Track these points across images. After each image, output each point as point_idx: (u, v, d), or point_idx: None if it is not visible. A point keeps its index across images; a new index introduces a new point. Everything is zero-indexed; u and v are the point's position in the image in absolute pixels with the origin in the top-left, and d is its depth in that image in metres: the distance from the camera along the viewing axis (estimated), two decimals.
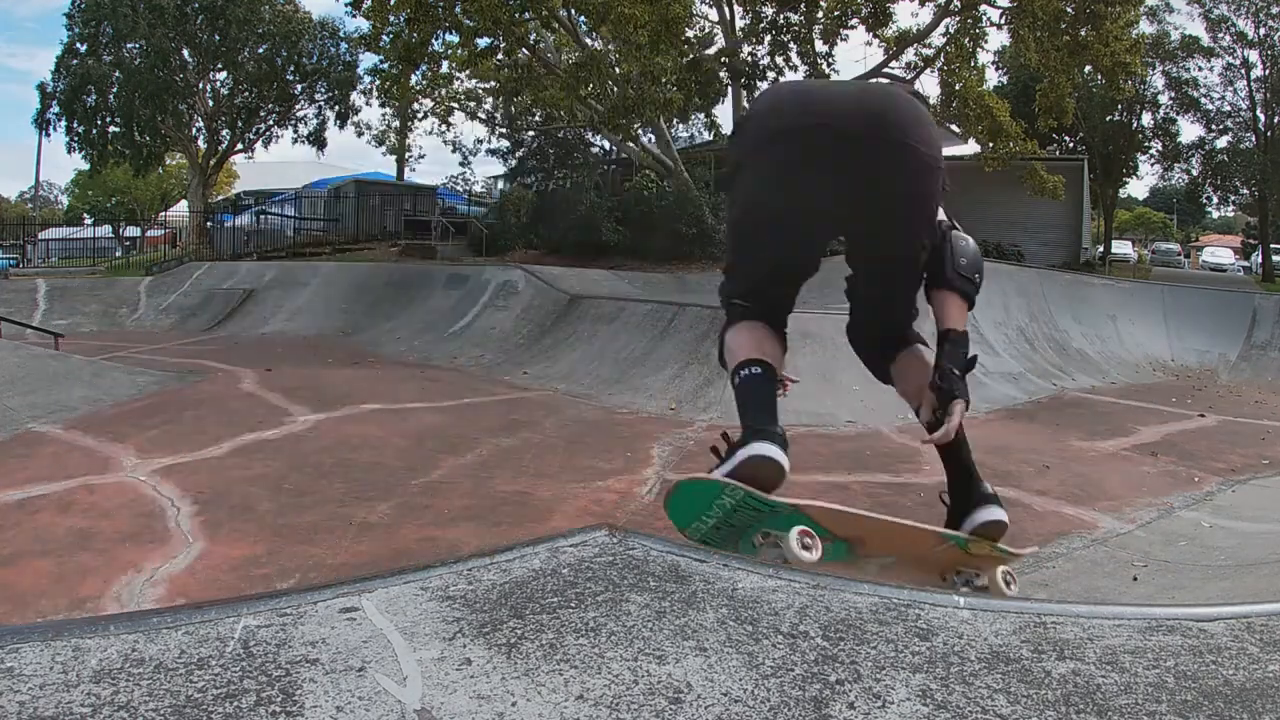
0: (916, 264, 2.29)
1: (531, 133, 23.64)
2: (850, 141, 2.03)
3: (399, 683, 1.12)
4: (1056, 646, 1.29)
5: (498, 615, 1.33)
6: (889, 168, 2.07)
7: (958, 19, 16.16)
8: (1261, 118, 22.93)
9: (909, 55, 17.04)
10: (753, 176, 2.20)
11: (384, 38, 15.52)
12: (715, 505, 1.96)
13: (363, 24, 23.17)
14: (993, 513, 2.26)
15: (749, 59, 17.21)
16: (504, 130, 23.67)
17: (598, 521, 1.77)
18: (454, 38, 15.87)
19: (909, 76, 17.17)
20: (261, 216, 24.08)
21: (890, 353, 2.55)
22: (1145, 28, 19.39)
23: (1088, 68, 16.76)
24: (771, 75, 17.19)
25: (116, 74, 21.72)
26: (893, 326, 2.53)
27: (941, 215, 2.29)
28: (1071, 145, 26.88)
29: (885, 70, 17.33)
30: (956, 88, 16.06)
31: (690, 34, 16.87)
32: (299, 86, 24.30)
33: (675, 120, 20.48)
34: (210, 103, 23.65)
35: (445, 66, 19.04)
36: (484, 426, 5.92)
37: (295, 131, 25.21)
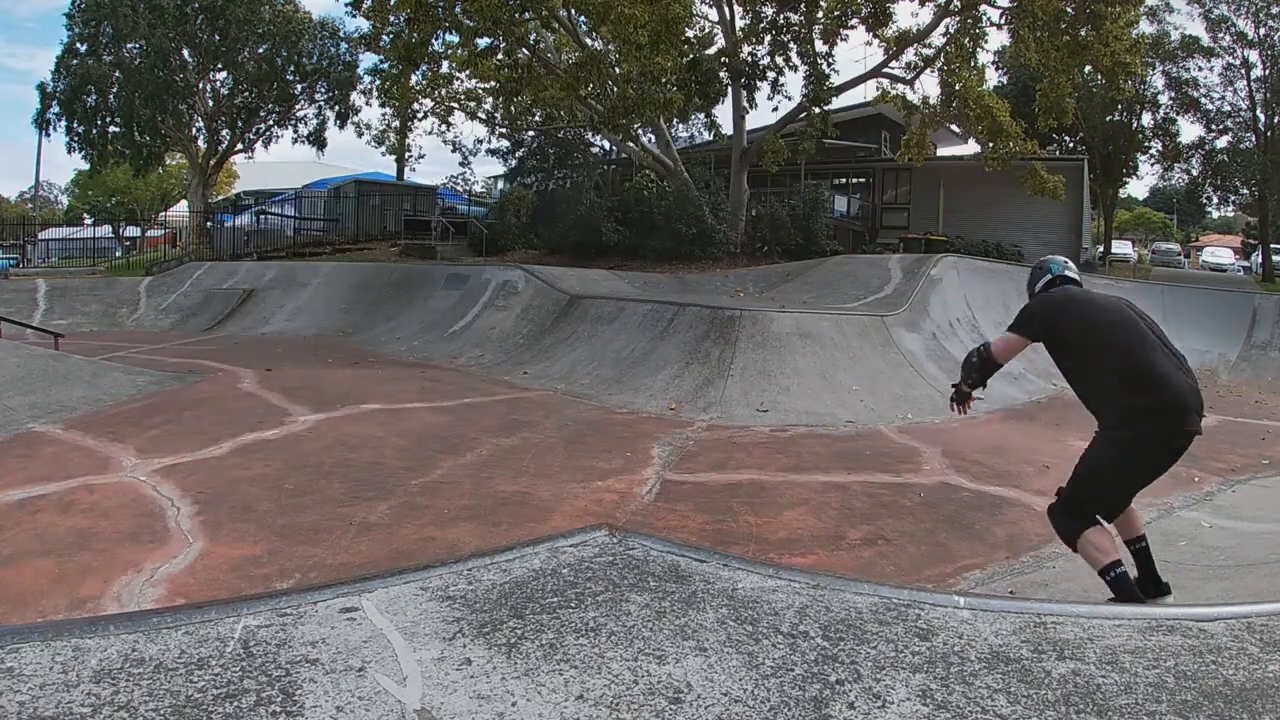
0: None
1: (531, 133, 23.63)
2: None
3: (399, 683, 1.12)
4: (1056, 646, 1.29)
5: (498, 615, 1.33)
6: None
7: (958, 19, 16.14)
8: (1261, 118, 22.92)
9: (909, 55, 17.02)
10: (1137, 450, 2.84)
11: (384, 38, 15.51)
12: None
13: (363, 24, 23.23)
14: None
15: (749, 59, 17.20)
16: (504, 130, 23.66)
17: (598, 521, 1.76)
18: (454, 38, 15.86)
19: (909, 76, 17.17)
20: (261, 216, 24.06)
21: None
22: (1145, 28, 19.38)
23: (1088, 68, 16.75)
24: (771, 75, 17.19)
25: (116, 74, 21.70)
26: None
27: None
28: (1071, 145, 26.87)
29: (885, 70, 17.33)
30: (956, 88, 16.04)
31: (690, 34, 16.84)
32: (299, 86, 24.27)
33: (675, 120, 20.47)
34: (210, 103, 23.63)
35: (445, 66, 19.03)
36: (484, 426, 5.92)
37: (295, 131, 25.19)
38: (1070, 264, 3.39)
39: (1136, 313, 3.06)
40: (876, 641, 1.28)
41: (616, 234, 17.30)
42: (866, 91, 18.80)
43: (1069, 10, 14.45)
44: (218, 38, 22.37)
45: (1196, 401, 2.84)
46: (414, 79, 18.24)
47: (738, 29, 17.18)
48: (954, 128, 18.20)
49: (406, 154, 26.64)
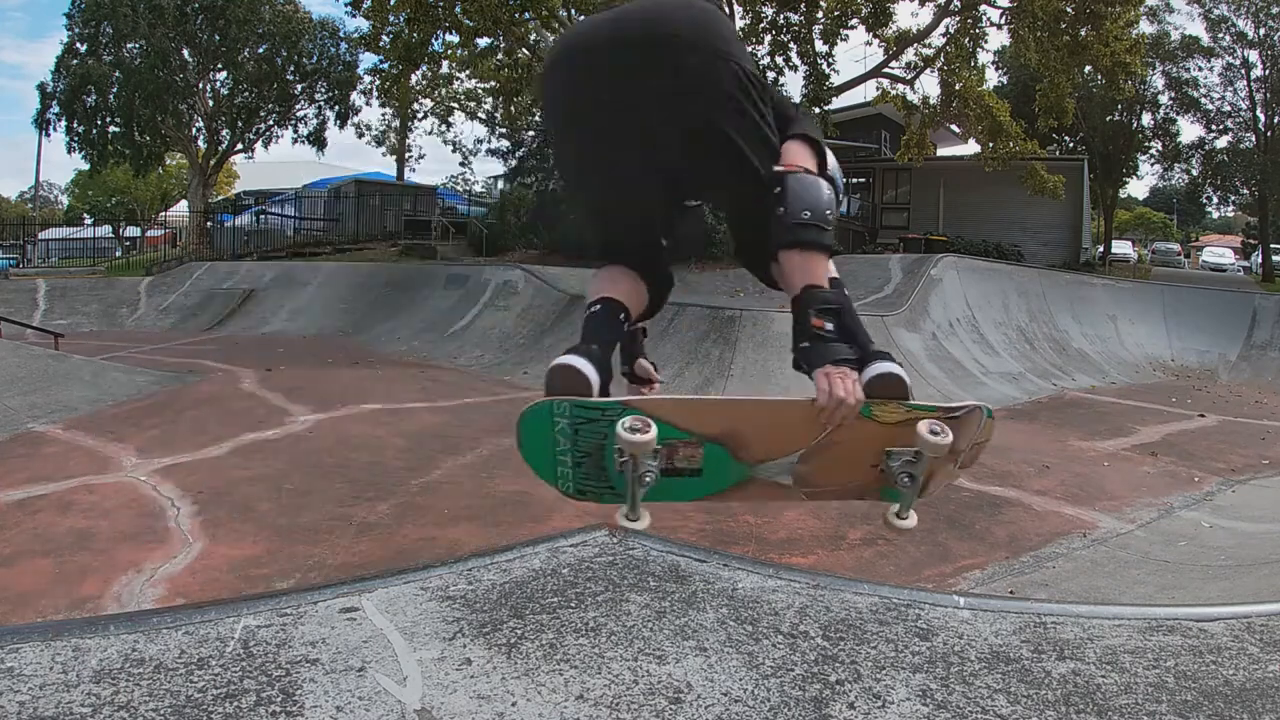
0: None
1: (531, 133, 23.65)
2: None
3: (399, 683, 1.12)
4: (1056, 646, 1.29)
5: (498, 615, 1.33)
6: None
7: (958, 19, 16.15)
8: (1261, 118, 22.92)
9: (909, 55, 17.03)
10: None
11: (384, 38, 15.51)
12: (556, 434, 1.76)
13: (363, 24, 23.18)
14: (882, 366, 1.79)
15: None
16: (504, 130, 23.68)
17: (598, 521, 1.76)
18: (454, 38, 15.87)
19: (909, 76, 17.17)
20: (261, 216, 24.07)
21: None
22: (1145, 28, 19.38)
23: (1088, 68, 16.76)
24: (771, 75, 17.18)
25: (116, 74, 21.71)
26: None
27: None
28: (1071, 145, 26.88)
29: (885, 70, 17.33)
30: (956, 88, 16.05)
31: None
32: (299, 86, 24.29)
33: None
34: (210, 103, 23.64)
35: (445, 66, 19.05)
36: (484, 426, 5.91)
37: (295, 131, 25.22)
38: None
39: None
40: (876, 641, 1.28)
41: None
42: (866, 91, 18.82)
43: (1069, 10, 14.45)
44: (218, 38, 22.38)
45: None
46: (414, 79, 18.23)
47: (738, 29, 17.18)
48: (954, 128, 18.19)
49: (406, 154, 26.65)
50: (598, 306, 1.96)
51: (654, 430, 1.60)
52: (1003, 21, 15.94)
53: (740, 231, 2.12)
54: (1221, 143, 24.99)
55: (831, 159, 2.05)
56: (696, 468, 1.75)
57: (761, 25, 16.67)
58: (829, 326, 1.76)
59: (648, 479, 1.69)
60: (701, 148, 1.84)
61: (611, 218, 2.09)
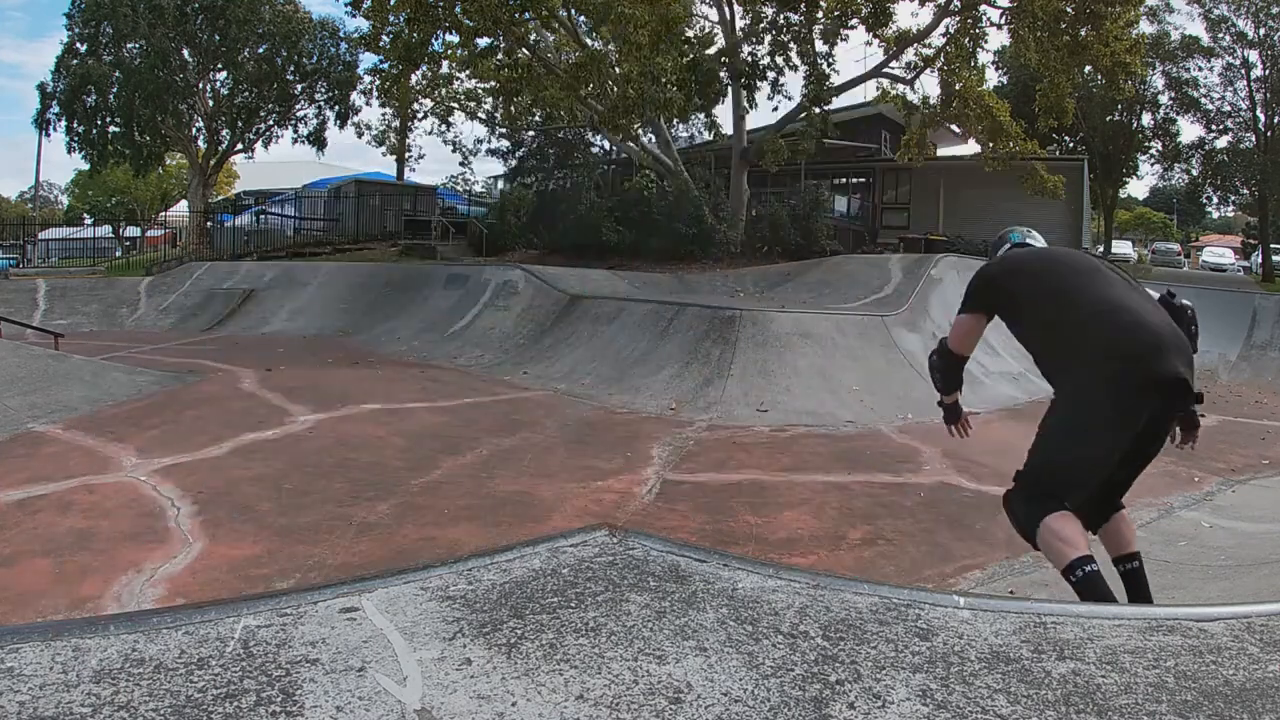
0: None
1: (531, 133, 23.63)
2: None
3: (399, 683, 1.12)
4: (1056, 646, 1.29)
5: (498, 615, 1.33)
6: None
7: (958, 19, 16.14)
8: (1261, 118, 22.90)
9: (909, 55, 17.02)
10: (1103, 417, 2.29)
11: (384, 38, 15.50)
12: None
13: (363, 24, 23.18)
14: None
15: (749, 59, 17.20)
16: (504, 130, 23.67)
17: (598, 521, 1.76)
18: (454, 38, 15.87)
19: (909, 76, 17.16)
20: (261, 216, 24.06)
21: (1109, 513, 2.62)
22: (1145, 28, 19.37)
23: (1088, 68, 16.75)
24: (771, 75, 17.19)
25: (116, 74, 21.69)
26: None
27: None
28: (1071, 145, 26.87)
29: (885, 70, 17.33)
30: (956, 88, 16.04)
31: (690, 34, 16.85)
32: (299, 86, 24.28)
33: (675, 120, 20.46)
34: (210, 103, 23.62)
35: (445, 66, 19.04)
36: (484, 426, 5.92)
37: (295, 131, 25.20)
38: (1034, 233, 2.94)
39: (1104, 263, 2.59)
40: (876, 641, 1.28)
41: (616, 234, 17.30)
42: (866, 91, 18.82)
43: (1069, 10, 14.45)
44: (218, 38, 22.37)
45: (1175, 340, 2.24)
46: (414, 79, 18.23)
47: (738, 29, 17.18)
48: (954, 128, 18.19)
49: (406, 154, 26.63)
50: (1093, 569, 2.25)
51: None
52: (1003, 21, 15.93)
53: (1106, 488, 2.51)
54: (1221, 143, 24.99)
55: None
56: None
57: (761, 25, 16.67)
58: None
59: None
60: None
61: (1098, 461, 2.34)
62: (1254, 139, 23.38)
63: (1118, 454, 2.32)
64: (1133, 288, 2.47)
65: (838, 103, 18.12)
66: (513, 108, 20.85)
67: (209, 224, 24.23)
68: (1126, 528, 2.56)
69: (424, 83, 19.43)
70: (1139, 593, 2.45)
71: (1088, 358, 2.26)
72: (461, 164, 39.47)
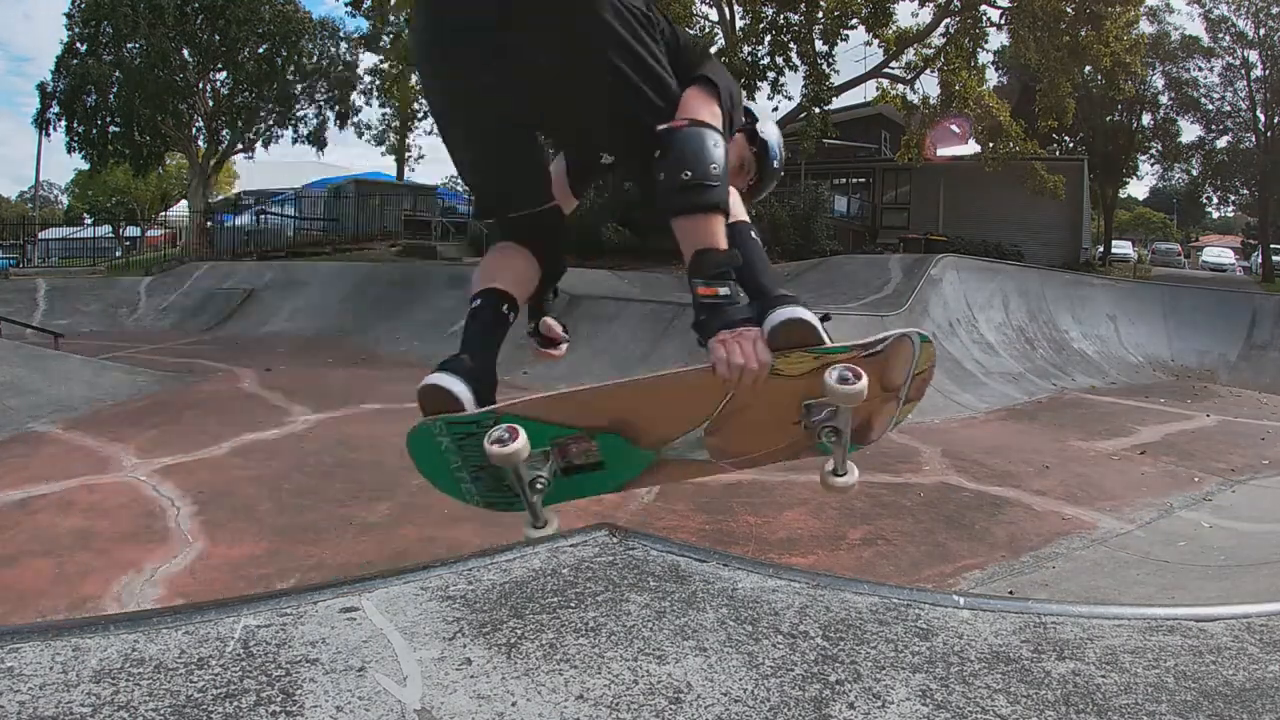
0: None
1: None
2: None
3: (399, 683, 1.12)
4: (1056, 646, 1.29)
5: (498, 615, 1.33)
6: None
7: (958, 19, 16.16)
8: (1261, 118, 22.92)
9: (909, 55, 17.04)
10: None
11: (384, 38, 15.51)
12: (445, 454, 1.74)
13: (363, 24, 23.20)
14: (781, 314, 1.57)
15: (749, 59, 17.21)
16: None
17: (598, 521, 1.76)
18: None
19: (909, 76, 17.17)
20: (261, 216, 24.08)
21: None
22: (1145, 28, 19.40)
23: (1088, 68, 16.77)
24: (771, 75, 17.20)
25: (116, 74, 21.71)
26: None
27: None
28: (1071, 145, 26.90)
29: (885, 70, 17.34)
30: (956, 88, 16.05)
31: (690, 34, 16.84)
32: (299, 86, 24.30)
33: None
34: (210, 103, 23.63)
35: None
36: None
37: (295, 131, 25.23)
38: None
39: None
40: (876, 641, 1.28)
41: (616, 234, 17.30)
42: (866, 91, 18.84)
43: (1069, 10, 14.47)
44: (218, 38, 22.38)
45: None
46: (414, 79, 18.23)
47: (738, 29, 17.19)
48: (954, 128, 18.20)
49: (406, 154, 26.62)
50: (478, 302, 1.81)
51: (522, 437, 1.52)
52: (1003, 21, 15.96)
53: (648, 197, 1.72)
54: (1221, 143, 25.01)
55: (753, 107, 1.90)
56: (596, 461, 1.67)
57: (761, 25, 16.68)
58: (722, 292, 1.54)
59: (539, 485, 1.63)
60: (571, 88, 1.59)
61: (481, 176, 1.85)
62: (1254, 139, 23.39)
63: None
64: None
65: (838, 103, 18.15)
66: None
67: (209, 224, 24.24)
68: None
69: None
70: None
71: None
72: None
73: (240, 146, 25.24)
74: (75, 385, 6.32)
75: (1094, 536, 3.93)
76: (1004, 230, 20.51)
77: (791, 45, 16.71)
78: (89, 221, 37.98)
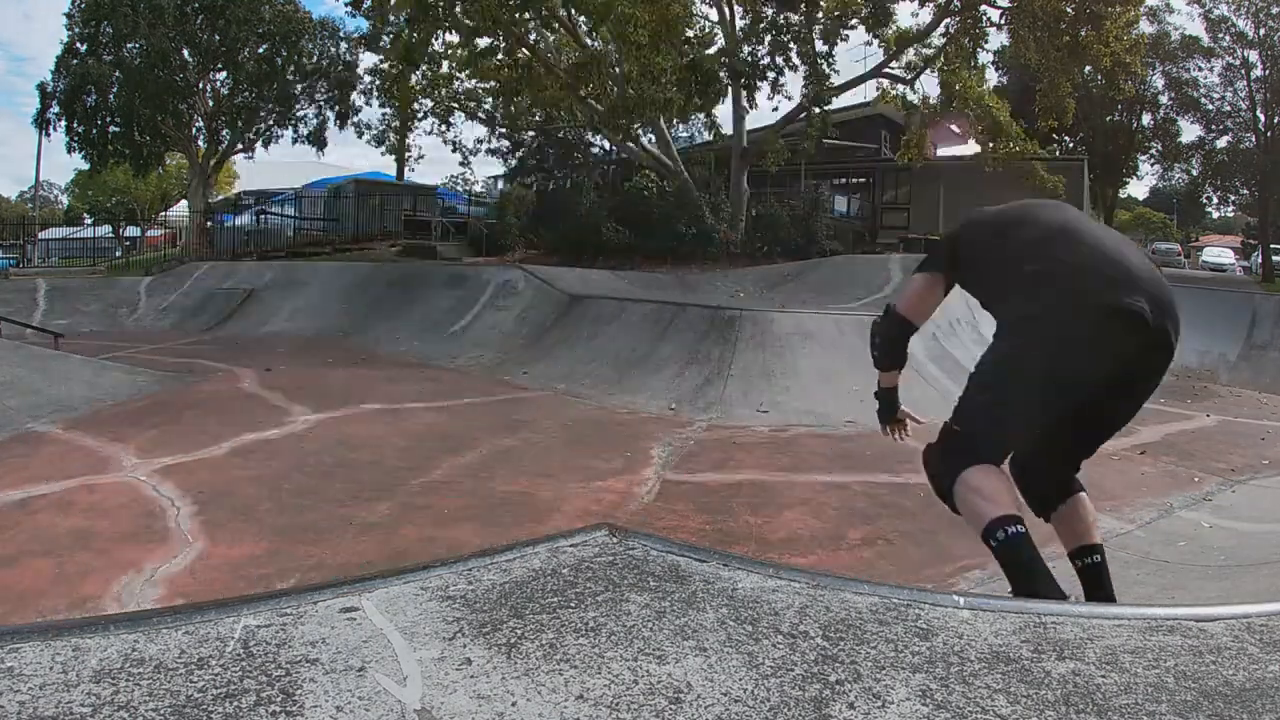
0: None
1: (531, 133, 23.61)
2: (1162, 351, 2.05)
3: (399, 683, 1.12)
4: (1056, 646, 1.29)
5: (498, 615, 1.33)
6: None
7: (958, 19, 16.15)
8: (1261, 118, 22.88)
9: (909, 55, 17.03)
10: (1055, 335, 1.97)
11: (384, 38, 15.51)
12: None
13: (363, 24, 23.19)
14: None
15: (749, 59, 17.20)
16: (504, 130, 23.64)
17: (598, 521, 1.76)
18: (454, 38, 15.88)
19: (909, 76, 17.16)
20: (261, 216, 24.08)
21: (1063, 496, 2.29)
22: (1145, 28, 19.37)
23: (1088, 68, 16.77)
24: (771, 75, 17.19)
25: (116, 74, 21.69)
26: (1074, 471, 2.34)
27: None
28: (1071, 145, 26.88)
29: (885, 70, 17.33)
30: (956, 88, 16.05)
31: (690, 34, 16.85)
32: (299, 86, 24.27)
33: (675, 120, 20.47)
34: (210, 103, 23.61)
35: (445, 66, 19.04)
36: (484, 426, 5.91)
37: (295, 131, 25.19)
38: None
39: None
40: (876, 641, 1.28)
41: (616, 234, 17.30)
42: (866, 91, 18.82)
43: (1069, 10, 14.46)
44: (218, 38, 22.35)
45: (1151, 278, 1.98)
46: (414, 79, 18.24)
47: (738, 29, 17.18)
48: (954, 128, 18.19)
49: (406, 154, 26.59)
50: (1018, 531, 1.94)
51: None
52: (1003, 21, 15.95)
53: (1054, 454, 2.22)
54: (1221, 143, 24.98)
55: None
56: None
57: (761, 25, 16.68)
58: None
59: None
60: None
61: (1033, 434, 2.10)
62: (1254, 139, 23.36)
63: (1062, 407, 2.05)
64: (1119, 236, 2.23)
65: (838, 103, 18.14)
66: (513, 108, 20.85)
67: (209, 224, 24.22)
68: (1085, 511, 2.19)
69: (424, 83, 19.42)
70: (1098, 591, 2.14)
71: (1053, 277, 2.02)
72: (461, 164, 39.41)
73: (240, 146, 25.20)
74: (75, 385, 6.32)
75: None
76: None
77: (791, 45, 16.69)
78: (89, 221, 37.97)
